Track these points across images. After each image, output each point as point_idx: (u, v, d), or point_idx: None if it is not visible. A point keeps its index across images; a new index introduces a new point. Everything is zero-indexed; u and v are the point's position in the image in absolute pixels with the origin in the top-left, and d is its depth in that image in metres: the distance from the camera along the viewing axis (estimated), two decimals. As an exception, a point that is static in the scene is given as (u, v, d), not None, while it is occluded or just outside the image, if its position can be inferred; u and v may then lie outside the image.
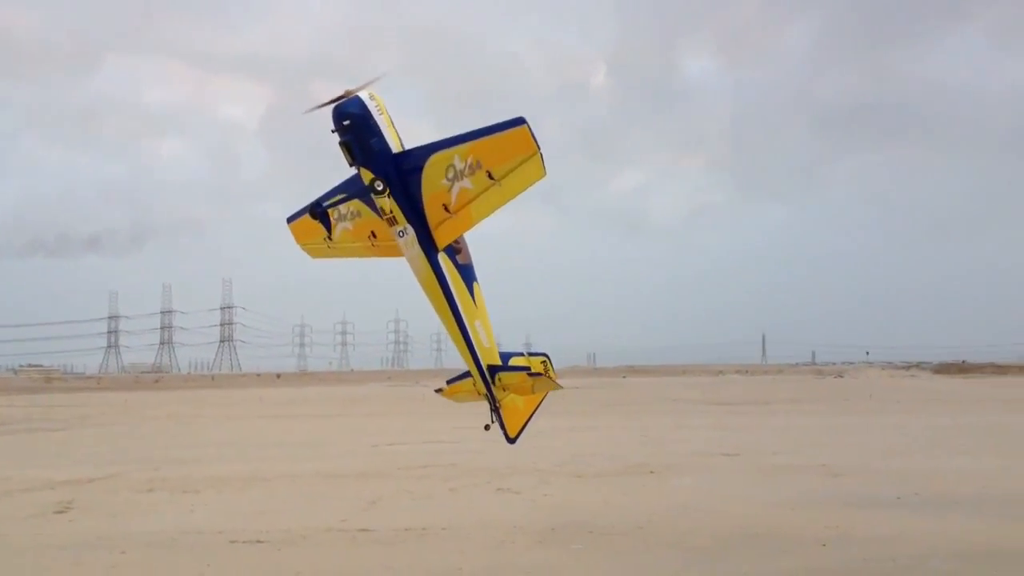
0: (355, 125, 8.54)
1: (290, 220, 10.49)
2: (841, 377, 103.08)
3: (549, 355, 10.42)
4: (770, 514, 16.10)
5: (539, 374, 9.74)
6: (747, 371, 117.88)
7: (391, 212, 8.99)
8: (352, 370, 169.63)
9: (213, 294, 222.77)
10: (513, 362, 10.06)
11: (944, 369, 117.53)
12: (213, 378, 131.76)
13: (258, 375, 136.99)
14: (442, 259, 9.37)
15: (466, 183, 8.61)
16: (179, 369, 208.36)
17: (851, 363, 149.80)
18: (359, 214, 9.55)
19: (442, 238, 9.13)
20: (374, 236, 9.58)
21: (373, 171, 8.80)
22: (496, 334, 10.04)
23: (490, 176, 8.46)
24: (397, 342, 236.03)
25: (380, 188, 8.82)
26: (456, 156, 8.60)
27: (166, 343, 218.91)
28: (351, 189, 9.41)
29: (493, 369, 9.75)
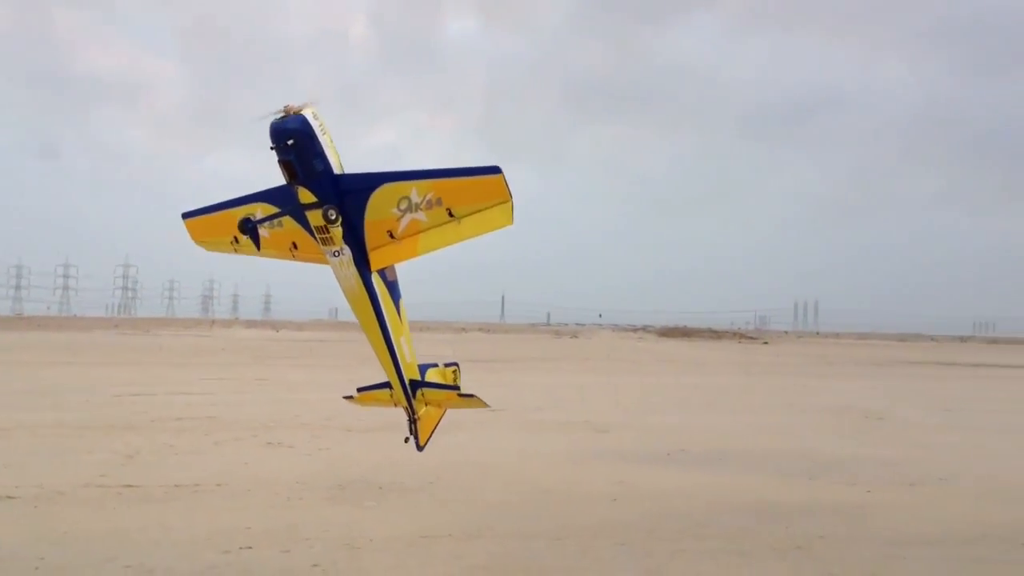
0: (299, 144, 7.92)
1: (186, 216, 9.62)
2: (576, 338, 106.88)
3: (458, 364, 10.31)
4: (554, 469, 16.06)
5: (470, 395, 9.44)
6: (489, 329, 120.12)
7: (328, 233, 8.36)
8: (75, 316, 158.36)
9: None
10: (431, 375, 9.80)
11: (668, 333, 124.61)
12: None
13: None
14: (374, 278, 8.87)
15: (420, 215, 8.10)
16: None
17: (582, 324, 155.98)
18: (280, 224, 8.86)
19: (379, 261, 8.62)
20: (295, 247, 8.90)
21: (315, 192, 8.18)
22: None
23: (450, 214, 7.96)
24: (125, 288, 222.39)
25: (333, 218, 8.19)
26: (414, 190, 8.09)
27: None
28: (280, 202, 8.68)
29: (416, 384, 9.48)
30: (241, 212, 9.04)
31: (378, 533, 11.09)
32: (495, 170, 7.76)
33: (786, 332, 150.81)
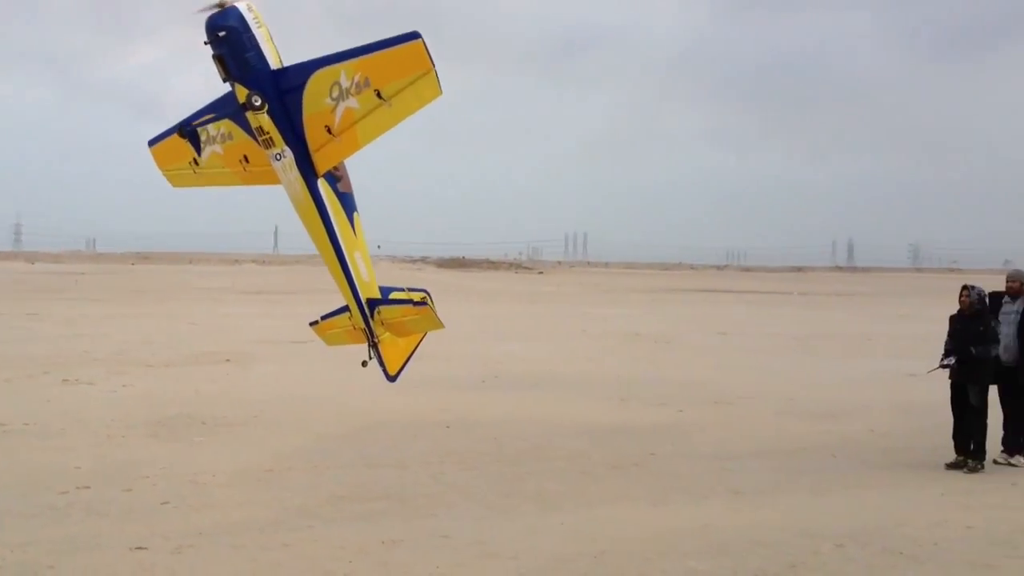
0: (231, 38, 7.70)
1: (152, 143, 9.47)
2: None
3: (429, 291, 9.93)
4: (379, 399, 15.95)
5: (423, 303, 9.30)
6: (264, 261, 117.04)
7: (268, 133, 8.17)
8: None
9: None
10: (393, 297, 9.60)
11: (447, 264, 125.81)
12: None
13: None
14: (322, 186, 8.68)
15: (352, 103, 7.93)
16: None
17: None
18: (230, 136, 8.70)
19: (323, 163, 8.44)
20: (246, 160, 8.78)
21: (249, 87, 8.00)
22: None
23: (379, 95, 7.80)
24: None
25: (258, 104, 8.02)
26: (343, 72, 7.90)
27: None
28: (223, 109, 8.51)
29: (373, 303, 9.28)
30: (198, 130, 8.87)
31: (220, 468, 10.75)
32: (414, 36, 7.59)
33: (559, 262, 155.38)
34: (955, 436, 11.34)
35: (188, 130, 8.69)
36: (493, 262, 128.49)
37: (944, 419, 13.60)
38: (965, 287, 11.56)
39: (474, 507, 9.36)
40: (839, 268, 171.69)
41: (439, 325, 9.62)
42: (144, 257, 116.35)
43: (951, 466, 11.20)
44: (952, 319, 11.56)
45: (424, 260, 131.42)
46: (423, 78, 7.68)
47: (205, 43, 7.82)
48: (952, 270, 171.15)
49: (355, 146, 8.34)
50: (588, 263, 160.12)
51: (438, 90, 7.85)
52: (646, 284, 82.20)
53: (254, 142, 8.58)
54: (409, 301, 9.54)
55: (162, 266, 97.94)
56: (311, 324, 10.61)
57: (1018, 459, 11.37)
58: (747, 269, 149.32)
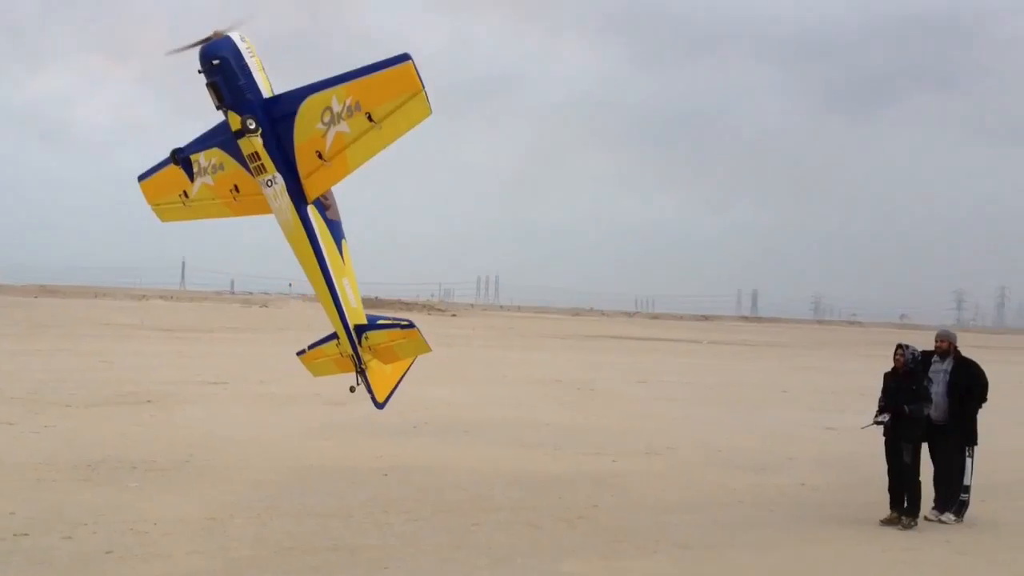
0: (224, 66, 7.90)
1: (142, 178, 9.49)
2: (267, 307, 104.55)
3: (413, 323, 9.81)
4: (310, 445, 15.83)
5: (410, 325, 9.33)
6: (171, 296, 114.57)
7: (260, 159, 8.30)
8: None
9: None
10: (380, 323, 9.63)
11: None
12: None
13: None
14: (312, 213, 8.71)
15: (343, 127, 8.07)
16: None
17: (269, 294, 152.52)
18: (221, 166, 8.78)
19: (313, 189, 8.53)
20: (236, 190, 8.83)
21: (242, 114, 8.14)
22: None
23: (370, 118, 7.93)
24: None
25: (252, 127, 8.15)
26: (334, 97, 8.04)
27: None
28: (215, 137, 8.63)
29: (360, 329, 9.31)
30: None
31: (159, 516, 10.48)
32: (405, 57, 7.72)
33: (472, 305, 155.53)
34: (890, 492, 11.66)
35: (182, 157, 8.75)
36: (406, 303, 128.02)
37: (870, 473, 14.02)
38: (900, 346, 11.96)
39: (426, 561, 9.29)
40: (745, 318, 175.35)
41: (427, 349, 9.58)
42: (48, 290, 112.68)
43: (885, 522, 11.51)
44: (887, 376, 11.92)
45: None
46: (413, 99, 7.81)
47: (199, 71, 7.95)
48: (852, 323, 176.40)
49: (345, 171, 8.42)
50: (500, 306, 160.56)
51: (428, 110, 7.97)
52: (559, 329, 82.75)
53: (245, 170, 8.65)
54: (396, 324, 9.59)
55: (68, 300, 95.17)
56: (298, 353, 10.47)
57: (948, 516, 11.74)
58: (656, 316, 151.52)
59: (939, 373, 11.93)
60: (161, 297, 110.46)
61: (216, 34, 8.05)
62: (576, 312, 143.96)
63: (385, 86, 7.83)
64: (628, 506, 12.08)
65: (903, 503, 11.49)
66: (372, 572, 8.82)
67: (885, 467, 15.48)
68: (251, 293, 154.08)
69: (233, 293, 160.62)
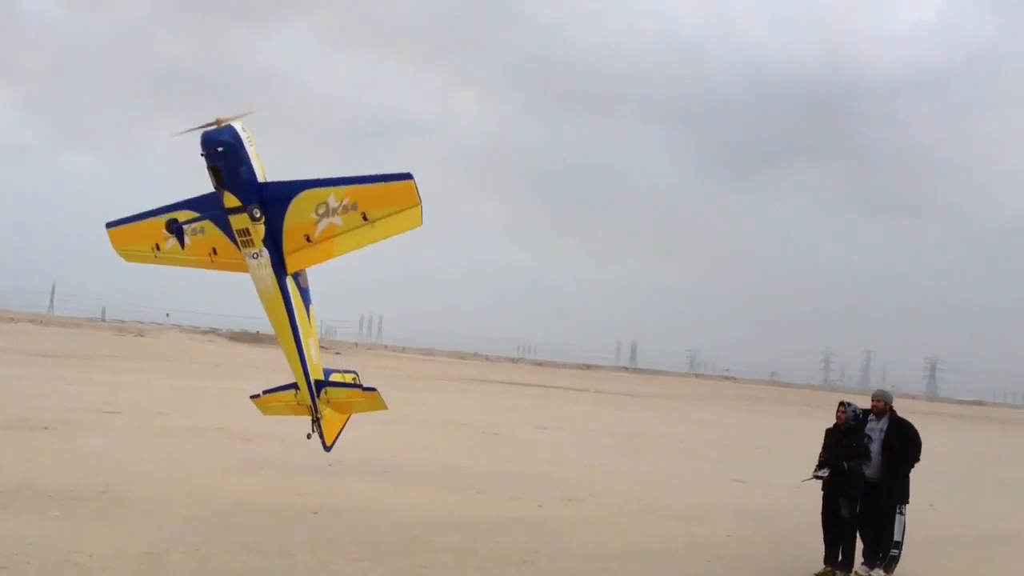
0: (227, 152, 8.37)
1: (111, 225, 9.77)
2: (143, 336, 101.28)
3: (358, 372, 10.79)
4: (228, 479, 15.33)
5: (372, 388, 9.94)
6: (41, 321, 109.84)
7: (250, 236, 8.75)
8: None
9: None
10: (334, 379, 10.22)
11: (238, 337, 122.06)
12: None
13: None
14: (288, 282, 9.27)
15: (336, 219, 8.61)
16: None
17: (142, 322, 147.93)
18: (202, 231, 9.22)
19: (295, 264, 9.04)
20: (214, 252, 9.24)
21: (240, 197, 8.58)
22: None
23: (364, 217, 8.51)
24: None
25: (257, 216, 8.65)
26: (332, 195, 8.60)
27: None
28: (205, 209, 9.02)
29: (320, 384, 9.90)
30: (164, 221, 9.30)
31: (92, 548, 9.98)
32: (407, 176, 8.39)
33: (356, 344, 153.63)
34: (826, 545, 11.89)
35: (175, 227, 9.04)
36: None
37: (787, 526, 14.40)
38: (842, 403, 12.28)
39: (384, 602, 9.06)
40: (625, 368, 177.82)
41: (384, 407, 10.11)
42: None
43: None
44: (828, 432, 12.20)
45: (215, 332, 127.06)
46: (409, 210, 8.49)
47: (201, 155, 8.37)
48: (726, 378, 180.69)
49: (329, 255, 8.96)
50: (385, 346, 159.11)
51: (420, 222, 8.65)
52: (448, 372, 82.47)
53: (227, 239, 9.05)
54: (358, 385, 10.11)
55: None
56: (252, 397, 10.93)
57: (878, 572, 12.03)
58: (539, 363, 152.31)
59: (875, 432, 12.26)
60: (31, 321, 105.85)
61: (219, 121, 8.48)
62: (461, 356, 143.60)
63: (385, 195, 8.46)
64: (568, 553, 12.01)
65: (837, 557, 11.74)
66: (330, 614, 8.53)
67: (802, 519, 15.93)
68: (123, 321, 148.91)
69: (104, 320, 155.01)
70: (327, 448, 10.83)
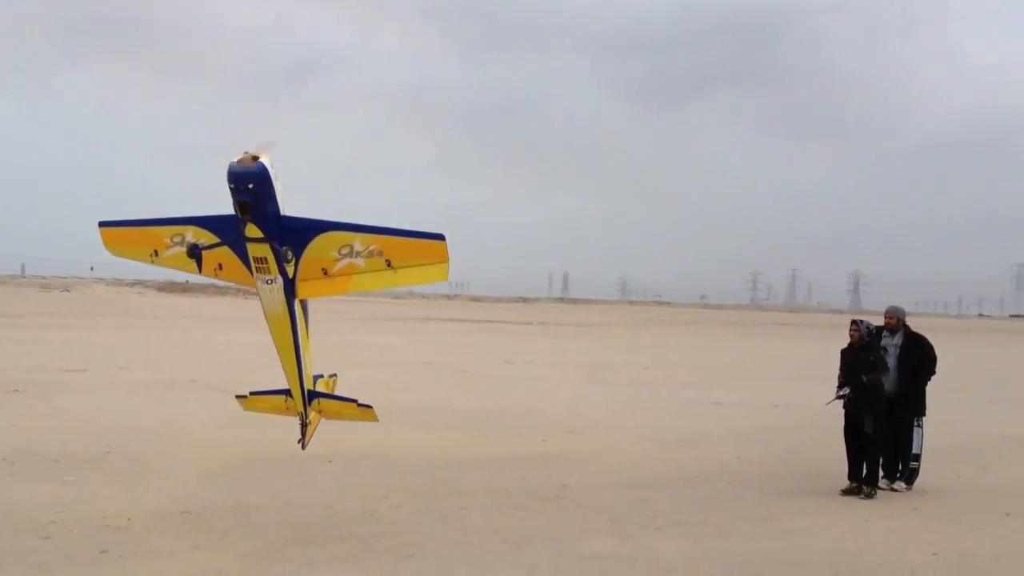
0: (257, 189, 8.30)
1: (103, 225, 9.59)
2: (69, 291, 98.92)
3: (336, 374, 11.06)
4: (230, 434, 14.91)
5: (367, 406, 9.91)
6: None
7: (266, 264, 8.68)
8: None
9: None
10: (319, 385, 10.33)
11: (168, 288, 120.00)
12: None
13: None
14: (296, 306, 9.25)
15: (359, 261, 8.59)
16: None
17: (64, 277, 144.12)
18: (210, 247, 9.10)
19: (306, 292, 8.99)
20: (220, 268, 9.16)
21: (263, 229, 8.51)
22: None
23: (388, 264, 8.51)
24: None
25: (291, 258, 8.63)
26: (358, 240, 8.60)
27: None
28: (220, 230, 8.94)
29: (313, 395, 10.00)
30: (168, 232, 9.25)
31: (128, 511, 9.63)
32: (440, 236, 8.37)
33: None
34: (850, 464, 12.03)
35: (196, 253, 8.88)
36: (220, 287, 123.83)
37: (788, 445, 14.76)
38: (854, 321, 12.35)
39: (444, 547, 8.88)
40: (560, 299, 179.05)
41: (375, 419, 10.13)
42: None
43: (846, 492, 11.86)
44: (843, 352, 12.26)
45: (143, 284, 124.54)
46: (437, 265, 8.48)
47: (230, 187, 8.30)
48: (659, 302, 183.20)
49: (344, 290, 8.98)
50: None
51: (446, 278, 8.73)
52: (387, 312, 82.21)
53: (237, 260, 8.97)
54: (354, 400, 10.16)
55: None
56: (238, 397, 10.61)
57: (900, 484, 12.24)
58: (476, 299, 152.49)
59: (890, 347, 12.39)
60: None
61: (248, 155, 8.34)
62: (397, 296, 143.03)
63: (414, 250, 8.45)
64: (596, 485, 11.94)
65: (862, 473, 11.90)
66: (398, 562, 8.38)
67: (802, 437, 16.19)
68: (44, 277, 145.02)
69: (24, 277, 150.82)
70: (304, 447, 10.66)
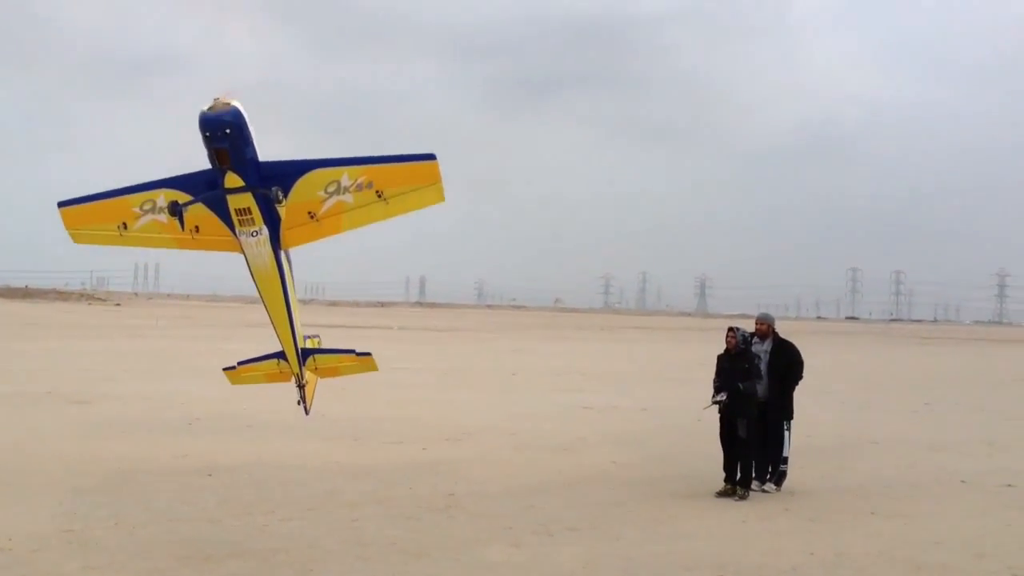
0: (235, 134, 8.07)
1: (63, 204, 9.27)
2: None
3: (370, 352, 11.07)
4: (100, 446, 14.55)
5: (366, 353, 10.12)
6: None
7: (250, 214, 8.45)
8: None
9: None
10: (311, 344, 10.41)
11: (7, 294, 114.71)
12: None
13: None
14: (283, 258, 9.12)
15: (347, 197, 8.41)
16: None
17: None
18: (188, 209, 8.79)
19: (292, 240, 8.83)
20: (197, 231, 8.88)
21: (243, 177, 8.28)
22: None
23: (379, 195, 8.33)
24: None
25: (282, 198, 8.37)
26: (345, 175, 8.40)
27: None
28: (194, 188, 8.64)
29: (307, 352, 10.00)
30: (137, 200, 8.91)
31: (10, 531, 9.23)
32: (430, 157, 8.23)
33: (135, 294, 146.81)
34: (725, 467, 12.50)
35: (178, 210, 8.51)
36: (62, 292, 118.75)
37: (660, 449, 15.20)
38: (731, 329, 12.84)
39: (344, 561, 8.80)
40: (419, 303, 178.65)
41: (375, 368, 10.44)
42: None
43: (721, 494, 12.31)
44: (720, 358, 12.74)
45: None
46: (430, 187, 8.35)
47: (205, 135, 8.00)
48: (515, 306, 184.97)
49: (335, 231, 8.73)
50: (167, 295, 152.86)
51: (443, 198, 8.50)
52: (243, 318, 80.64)
53: (216, 217, 8.70)
54: (351, 351, 10.37)
55: None
56: (225, 369, 10.83)
57: (770, 486, 12.78)
58: (333, 303, 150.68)
59: (760, 353, 12.94)
60: None
61: (219, 102, 8.12)
62: (249, 300, 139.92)
63: (406, 175, 8.30)
64: (483, 494, 12.02)
65: (735, 476, 12.39)
66: (297, 576, 8.31)
67: (675, 441, 16.71)
68: None
69: None
70: (307, 412, 11.03)
